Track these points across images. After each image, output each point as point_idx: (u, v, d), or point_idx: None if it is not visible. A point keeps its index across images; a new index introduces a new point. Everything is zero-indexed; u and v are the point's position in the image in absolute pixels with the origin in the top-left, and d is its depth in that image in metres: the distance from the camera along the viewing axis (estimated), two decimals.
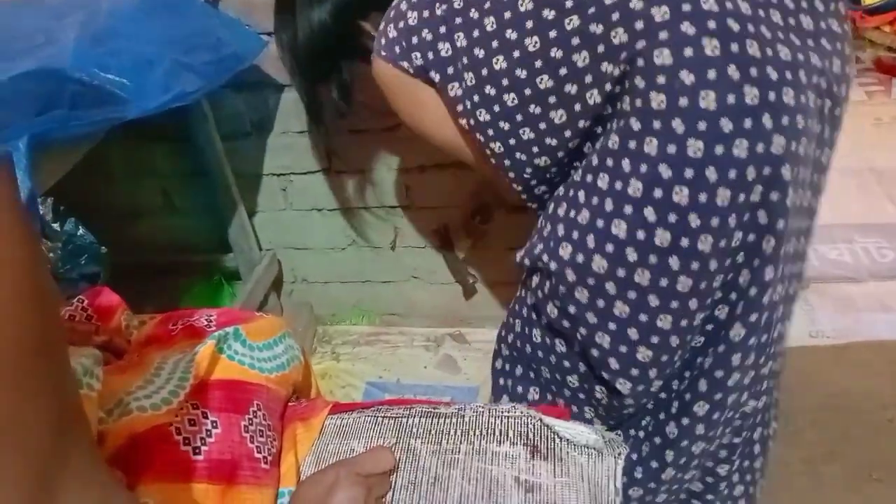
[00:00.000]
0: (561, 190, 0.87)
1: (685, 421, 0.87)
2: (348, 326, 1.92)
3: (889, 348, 1.62)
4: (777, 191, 0.73)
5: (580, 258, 0.81)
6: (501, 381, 1.05)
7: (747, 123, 0.70)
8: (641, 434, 0.94)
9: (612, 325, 0.83)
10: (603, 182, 0.79)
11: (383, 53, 0.91)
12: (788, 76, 0.72)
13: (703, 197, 0.73)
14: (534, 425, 0.76)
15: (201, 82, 1.19)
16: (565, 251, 0.83)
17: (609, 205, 0.78)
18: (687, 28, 0.70)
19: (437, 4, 0.87)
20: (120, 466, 0.61)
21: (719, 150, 0.71)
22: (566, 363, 0.94)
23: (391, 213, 1.69)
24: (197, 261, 1.79)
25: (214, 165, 1.55)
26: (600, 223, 0.79)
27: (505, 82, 0.82)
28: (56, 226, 1.63)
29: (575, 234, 0.82)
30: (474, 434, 0.76)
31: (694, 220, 0.74)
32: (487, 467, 0.72)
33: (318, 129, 1.32)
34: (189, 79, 1.15)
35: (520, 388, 1.02)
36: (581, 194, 0.82)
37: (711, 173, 0.71)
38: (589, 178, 0.81)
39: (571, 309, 0.85)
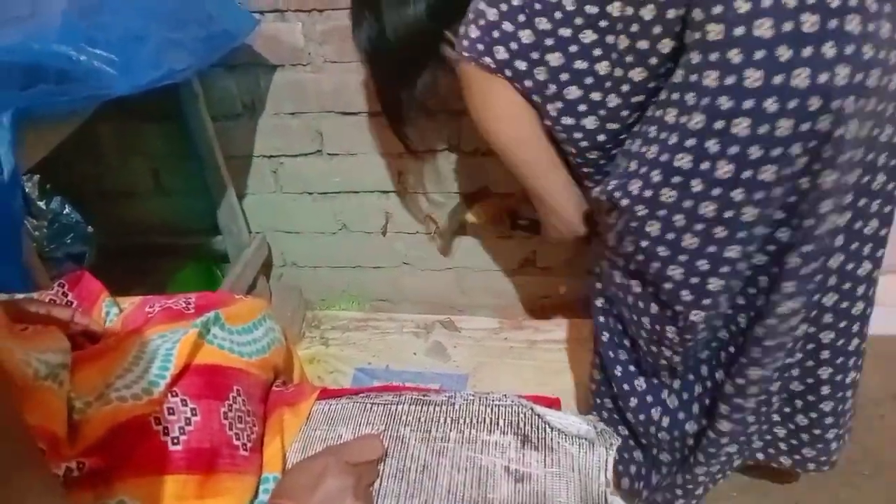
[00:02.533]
0: (637, 126, 0.89)
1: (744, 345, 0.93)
2: (338, 311, 1.91)
3: (880, 343, 1.61)
4: (841, 123, 0.73)
5: (648, 192, 0.85)
6: (602, 319, 1.11)
7: (806, 52, 0.70)
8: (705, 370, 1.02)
9: (682, 258, 0.87)
10: (670, 116, 0.81)
11: (466, 53, 0.93)
12: (852, 2, 0.70)
13: (763, 128, 0.73)
14: (525, 414, 0.75)
15: (191, 59, 1.16)
16: (634, 186, 0.86)
17: (674, 138, 0.80)
18: None
19: None
20: (99, 457, 0.59)
21: (778, 79, 0.71)
22: (641, 304, 1.00)
23: (382, 197, 1.67)
24: (185, 243, 1.77)
25: (204, 146, 1.52)
26: (665, 156, 0.82)
27: (592, 55, 0.86)
28: (42, 204, 1.61)
29: (644, 169, 0.85)
30: (464, 422, 0.75)
31: (755, 152, 0.75)
32: (477, 456, 0.71)
33: (394, 128, 1.30)
34: (179, 56, 1.13)
35: (620, 326, 1.09)
36: (653, 129, 0.85)
37: (771, 104, 0.72)
38: (659, 112, 0.83)
39: (644, 243, 0.89)
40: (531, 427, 0.73)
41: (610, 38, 0.86)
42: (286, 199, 1.72)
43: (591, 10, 0.84)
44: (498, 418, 0.75)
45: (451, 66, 1.06)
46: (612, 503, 0.68)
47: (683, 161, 0.80)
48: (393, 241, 1.75)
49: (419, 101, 1.20)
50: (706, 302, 0.90)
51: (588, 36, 0.87)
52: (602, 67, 0.88)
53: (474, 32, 0.92)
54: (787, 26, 0.70)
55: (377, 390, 0.81)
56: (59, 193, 1.62)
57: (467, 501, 0.67)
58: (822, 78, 0.71)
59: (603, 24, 0.85)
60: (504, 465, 0.70)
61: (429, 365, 1.72)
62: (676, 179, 0.82)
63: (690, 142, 0.79)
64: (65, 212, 1.62)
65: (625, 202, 0.88)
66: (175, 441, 0.63)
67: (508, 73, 0.92)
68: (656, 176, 0.84)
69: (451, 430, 0.74)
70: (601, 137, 0.95)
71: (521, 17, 0.89)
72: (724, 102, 0.74)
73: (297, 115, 1.57)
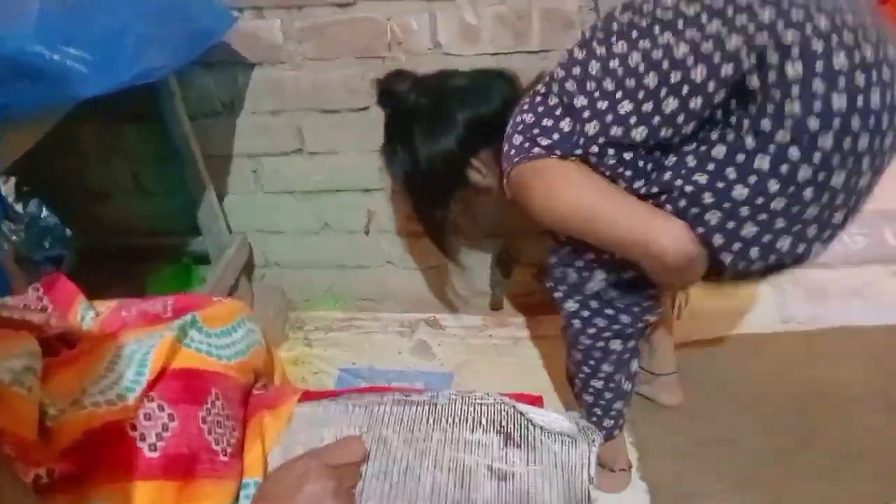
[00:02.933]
0: (688, 128, 0.96)
1: None
2: (321, 312, 1.90)
3: (861, 334, 1.63)
4: None
5: (720, 184, 0.93)
6: (577, 323, 1.21)
7: (875, 76, 0.84)
8: None
9: (736, 246, 0.96)
10: (743, 124, 0.91)
11: (515, 160, 1.03)
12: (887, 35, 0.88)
13: (847, 142, 0.86)
14: (507, 412, 0.74)
15: (169, 58, 1.15)
16: (701, 178, 0.94)
17: (750, 142, 0.90)
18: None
19: (549, 97, 1.04)
20: (73, 462, 0.58)
21: (860, 101, 0.84)
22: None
23: (365, 196, 1.67)
24: (166, 244, 1.75)
25: (183, 146, 1.51)
26: (740, 157, 0.91)
27: (636, 113, 0.96)
28: (19, 207, 1.59)
29: (710, 166, 0.94)
30: (447, 422, 0.74)
31: (836, 160, 0.87)
32: (460, 456, 0.70)
33: (442, 249, 1.40)
34: (156, 54, 1.11)
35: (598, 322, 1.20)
36: (714, 133, 0.94)
37: (856, 121, 0.85)
38: (719, 114, 0.94)
39: (700, 230, 0.96)
40: (514, 425, 0.73)
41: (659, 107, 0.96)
42: (267, 199, 1.71)
43: (630, 83, 0.96)
44: (480, 417, 0.74)
45: (477, 189, 1.23)
46: (596, 498, 0.68)
47: (763, 163, 0.90)
48: (376, 239, 1.75)
49: (453, 219, 1.31)
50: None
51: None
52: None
53: (517, 139, 1.04)
54: (857, 56, 0.84)
55: (359, 391, 0.80)
56: (38, 195, 1.60)
57: (451, 502, 0.66)
58: (889, 97, 0.85)
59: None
60: (487, 464, 0.69)
61: (413, 364, 1.71)
62: (752, 179, 0.91)
63: (771, 148, 0.89)
64: (43, 215, 1.60)
65: (689, 189, 0.96)
66: (152, 447, 0.62)
67: (558, 152, 1.01)
68: (730, 173, 0.93)
69: (433, 430, 0.73)
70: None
71: (558, 111, 1.02)
72: (813, 123, 0.85)
73: (276, 114, 1.56)
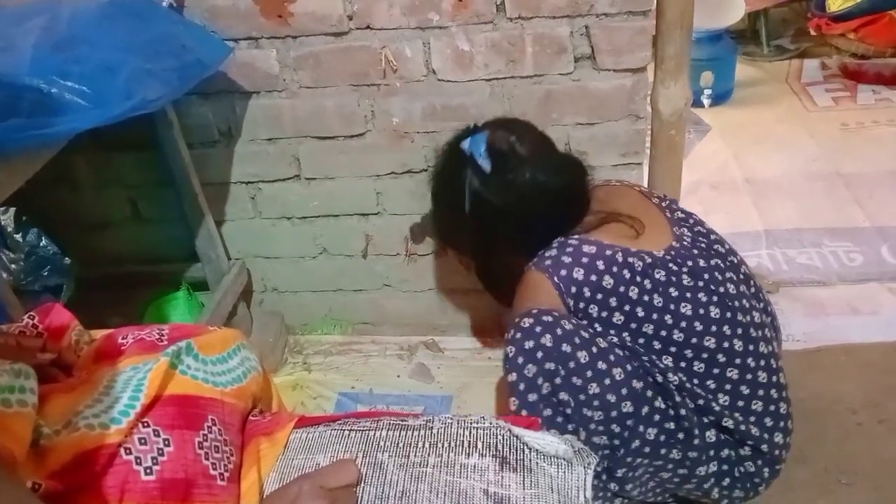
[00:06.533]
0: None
1: None
2: (320, 336, 1.89)
3: (858, 351, 1.63)
4: None
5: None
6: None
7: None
8: None
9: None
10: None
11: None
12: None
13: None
14: (503, 436, 0.75)
15: (164, 89, 1.16)
16: None
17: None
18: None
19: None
20: (65, 483, 0.58)
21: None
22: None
23: (362, 220, 1.68)
24: (164, 271, 1.76)
25: (181, 174, 1.52)
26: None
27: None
28: (18, 236, 1.60)
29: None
30: (443, 446, 0.74)
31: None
32: (456, 480, 0.71)
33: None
34: (152, 86, 1.13)
35: None
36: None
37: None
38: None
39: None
40: (509, 448, 0.73)
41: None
42: (265, 225, 1.72)
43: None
44: (476, 440, 0.75)
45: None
46: None
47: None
48: (374, 263, 1.75)
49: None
50: None
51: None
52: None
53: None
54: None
55: (355, 416, 0.80)
56: (37, 225, 1.61)
57: None
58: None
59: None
60: (483, 487, 0.70)
61: (413, 387, 1.71)
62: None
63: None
64: (41, 244, 1.61)
65: None
66: (148, 471, 0.63)
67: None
68: None
69: (429, 455, 0.73)
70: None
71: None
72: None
73: (273, 141, 1.58)
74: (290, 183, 1.64)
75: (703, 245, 1.19)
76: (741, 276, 1.21)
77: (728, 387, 1.13)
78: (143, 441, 0.64)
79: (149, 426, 0.65)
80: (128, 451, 0.62)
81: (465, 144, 1.19)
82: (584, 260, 1.11)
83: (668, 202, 1.28)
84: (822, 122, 2.68)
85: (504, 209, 1.19)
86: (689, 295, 1.11)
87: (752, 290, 1.23)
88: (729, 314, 1.12)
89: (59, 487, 0.58)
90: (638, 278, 1.10)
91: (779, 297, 1.82)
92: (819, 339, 1.69)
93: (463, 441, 0.75)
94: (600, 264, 1.11)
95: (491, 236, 1.25)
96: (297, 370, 1.79)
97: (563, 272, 1.11)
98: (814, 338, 1.69)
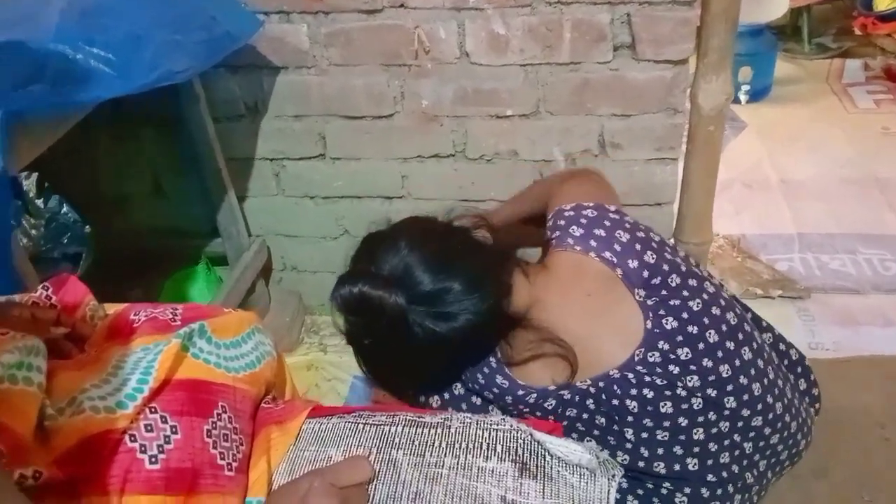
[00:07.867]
0: None
1: None
2: (338, 317, 1.87)
3: (887, 364, 1.59)
4: None
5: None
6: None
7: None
8: None
9: None
10: None
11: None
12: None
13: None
14: (524, 440, 0.72)
15: (192, 61, 1.14)
16: None
17: None
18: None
19: None
20: (68, 470, 0.56)
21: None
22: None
23: (385, 203, 1.65)
24: (184, 245, 1.74)
25: (205, 148, 1.50)
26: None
27: None
28: (40, 202, 1.59)
29: None
30: (460, 447, 0.72)
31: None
32: (472, 484, 0.68)
33: None
34: (179, 57, 1.10)
35: None
36: None
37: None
38: None
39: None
40: (530, 454, 0.70)
41: None
42: (288, 203, 1.69)
43: None
44: (496, 443, 0.72)
45: None
46: None
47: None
48: None
49: None
50: None
51: None
52: None
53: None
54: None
55: (370, 409, 0.78)
56: (58, 192, 1.61)
57: None
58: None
59: None
60: (501, 494, 0.67)
61: None
62: None
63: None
64: (62, 211, 1.60)
65: None
66: (153, 459, 0.60)
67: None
68: None
69: (446, 456, 0.71)
70: None
71: None
72: None
73: (300, 118, 1.55)
74: (315, 161, 1.61)
75: (692, 332, 1.00)
76: (754, 352, 1.07)
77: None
78: (149, 428, 0.61)
79: (156, 412, 0.63)
80: (132, 439, 0.60)
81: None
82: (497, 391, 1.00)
83: (662, 260, 1.06)
84: (861, 125, 2.60)
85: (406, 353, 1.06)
86: (630, 420, 0.96)
87: (773, 364, 1.12)
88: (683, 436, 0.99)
89: (60, 475, 0.56)
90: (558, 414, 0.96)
91: (810, 302, 1.77)
92: (849, 349, 1.63)
93: (482, 443, 0.72)
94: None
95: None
96: (313, 350, 1.77)
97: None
98: (843, 347, 1.64)
